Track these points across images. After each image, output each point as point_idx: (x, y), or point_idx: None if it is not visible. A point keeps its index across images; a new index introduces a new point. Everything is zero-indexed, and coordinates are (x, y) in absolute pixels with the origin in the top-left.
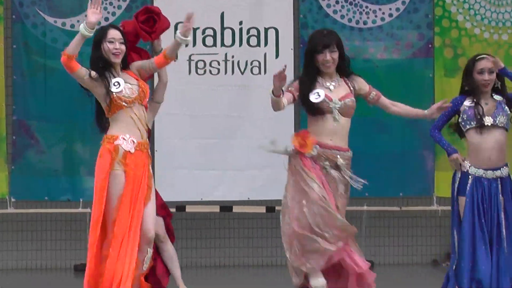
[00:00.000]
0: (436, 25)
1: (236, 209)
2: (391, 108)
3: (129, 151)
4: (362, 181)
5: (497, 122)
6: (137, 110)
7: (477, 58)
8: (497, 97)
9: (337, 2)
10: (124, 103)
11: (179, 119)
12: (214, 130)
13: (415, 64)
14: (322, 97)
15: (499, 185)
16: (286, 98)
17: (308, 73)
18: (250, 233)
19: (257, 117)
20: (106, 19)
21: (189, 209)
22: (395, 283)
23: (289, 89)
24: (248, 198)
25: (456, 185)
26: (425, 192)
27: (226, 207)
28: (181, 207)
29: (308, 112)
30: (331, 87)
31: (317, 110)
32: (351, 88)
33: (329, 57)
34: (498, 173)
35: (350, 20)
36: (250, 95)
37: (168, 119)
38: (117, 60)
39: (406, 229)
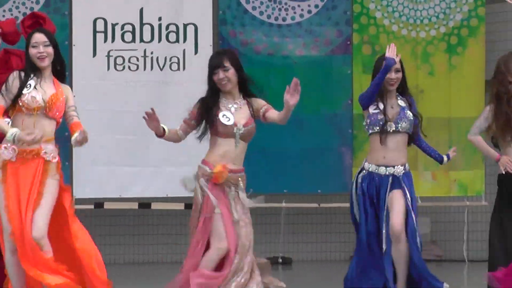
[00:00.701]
0: (355, 22)
1: (154, 205)
2: (277, 118)
3: (10, 160)
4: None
5: (399, 128)
6: (36, 119)
7: (383, 57)
8: (401, 103)
9: None
10: (23, 108)
11: (97, 115)
12: (132, 126)
13: (334, 60)
14: (232, 120)
15: (389, 182)
16: (181, 130)
17: (212, 94)
18: (168, 229)
19: (176, 113)
20: (24, 14)
21: (107, 206)
22: (313, 279)
23: (185, 118)
24: (167, 195)
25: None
26: (343, 189)
27: (144, 203)
28: (99, 203)
29: (212, 132)
30: (233, 109)
31: (221, 133)
32: (251, 112)
33: (223, 75)
34: (390, 170)
35: (269, 17)
36: (169, 91)
37: (86, 114)
38: (43, 64)
39: (325, 226)
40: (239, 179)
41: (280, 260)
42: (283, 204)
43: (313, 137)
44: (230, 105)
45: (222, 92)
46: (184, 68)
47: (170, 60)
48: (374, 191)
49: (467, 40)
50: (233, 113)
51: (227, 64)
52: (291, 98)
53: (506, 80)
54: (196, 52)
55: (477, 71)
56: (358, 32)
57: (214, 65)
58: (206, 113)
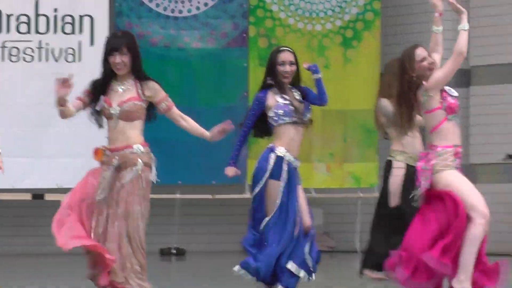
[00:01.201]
0: (251, 15)
1: (48, 197)
2: (180, 121)
3: None
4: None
5: (305, 119)
6: None
7: (279, 50)
8: (297, 95)
9: None
10: None
11: None
12: (27, 117)
13: (230, 53)
14: (102, 104)
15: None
16: (74, 106)
17: (103, 76)
18: None
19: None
20: None
21: (0, 197)
22: (207, 270)
23: (80, 96)
24: (60, 186)
25: (269, 167)
26: (237, 180)
27: (38, 195)
28: None
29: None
30: (120, 90)
31: (104, 115)
32: (139, 92)
33: (119, 60)
34: (297, 163)
35: (165, 9)
36: None
37: None
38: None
39: (219, 217)
40: (116, 157)
41: (174, 251)
42: (178, 195)
43: (208, 128)
44: (117, 87)
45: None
46: (80, 60)
47: (66, 51)
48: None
49: (362, 33)
50: (120, 94)
51: (124, 49)
52: (216, 136)
53: (409, 76)
54: (92, 43)
55: (372, 64)
56: (255, 25)
57: (111, 48)
58: (94, 95)
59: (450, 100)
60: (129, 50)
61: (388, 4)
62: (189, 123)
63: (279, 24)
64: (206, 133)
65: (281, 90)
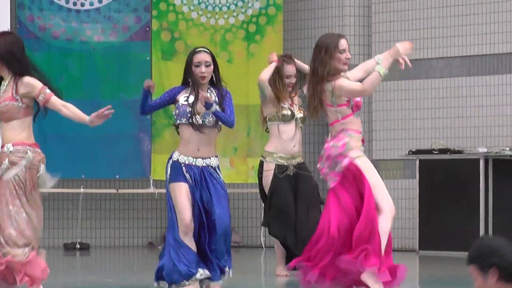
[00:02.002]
0: (154, 8)
1: None
2: (63, 110)
3: None
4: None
5: (206, 122)
6: None
7: (195, 51)
8: (212, 96)
9: None
10: None
11: None
12: None
13: (133, 47)
14: None
15: (209, 172)
16: None
17: None
18: None
19: None
20: None
21: None
22: (111, 265)
23: None
24: None
25: (167, 174)
26: (142, 174)
27: None
28: None
29: None
30: (1, 91)
31: None
32: (13, 92)
33: None
34: (207, 161)
35: (67, 2)
36: None
37: None
38: None
39: (123, 212)
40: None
41: (78, 246)
42: (81, 190)
43: (111, 122)
44: (1, 87)
45: None
46: None
47: None
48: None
49: (265, 28)
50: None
51: None
52: (95, 120)
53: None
54: None
55: None
56: (157, 19)
57: None
58: None
59: (357, 98)
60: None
61: None
62: (70, 109)
63: (182, 18)
64: (86, 118)
65: (193, 91)
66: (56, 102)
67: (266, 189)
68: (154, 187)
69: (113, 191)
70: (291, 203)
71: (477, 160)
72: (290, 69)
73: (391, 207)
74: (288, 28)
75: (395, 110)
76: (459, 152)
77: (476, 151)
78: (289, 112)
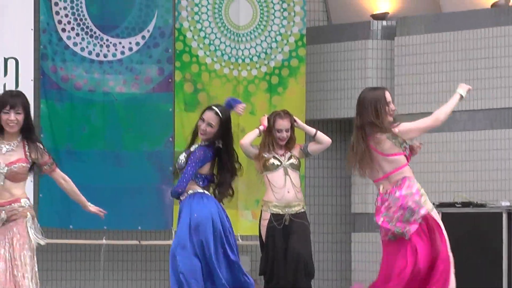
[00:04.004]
0: (177, 59)
1: None
2: (63, 184)
3: None
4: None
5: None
6: None
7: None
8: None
9: (77, 35)
10: None
11: None
12: None
13: (155, 98)
14: None
15: None
16: None
17: None
18: None
19: None
20: None
21: None
22: None
23: None
24: None
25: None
26: (164, 226)
27: None
28: None
29: None
30: (4, 150)
31: None
32: (27, 154)
33: (14, 117)
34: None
35: (90, 53)
36: None
37: None
38: None
39: (145, 263)
40: (2, 212)
41: None
42: (104, 241)
43: (133, 174)
44: (2, 145)
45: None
46: None
47: None
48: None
49: (287, 80)
50: (3, 154)
51: (19, 108)
52: (92, 211)
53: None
54: (17, 86)
55: (297, 110)
56: (180, 70)
57: (7, 103)
58: None
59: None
60: (24, 110)
61: (312, 51)
62: (69, 185)
63: (205, 69)
64: (85, 202)
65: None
66: (58, 174)
67: (263, 238)
68: None
69: (135, 242)
70: (282, 253)
71: (500, 214)
72: (281, 123)
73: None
74: (311, 80)
75: (418, 163)
76: (482, 205)
77: (499, 205)
78: (276, 161)
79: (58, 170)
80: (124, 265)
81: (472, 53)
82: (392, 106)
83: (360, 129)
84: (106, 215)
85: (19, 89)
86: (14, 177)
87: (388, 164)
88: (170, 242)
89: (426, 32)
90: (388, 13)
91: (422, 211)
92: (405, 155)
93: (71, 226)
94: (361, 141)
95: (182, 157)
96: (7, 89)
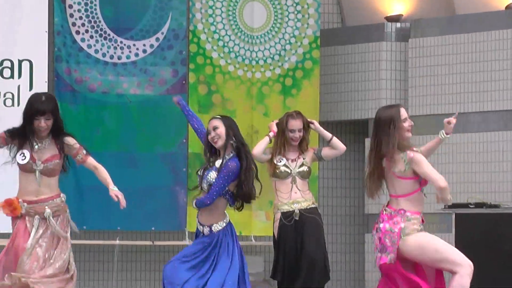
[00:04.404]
0: (191, 62)
1: None
2: (95, 171)
3: None
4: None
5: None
6: None
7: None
8: (217, 163)
9: (91, 37)
10: None
11: None
12: None
13: (169, 100)
14: (27, 158)
15: None
16: None
17: (23, 132)
18: None
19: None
20: None
21: None
22: None
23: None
24: None
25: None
26: (177, 227)
27: None
28: None
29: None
30: (36, 147)
31: (23, 168)
32: (60, 151)
33: (44, 124)
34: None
35: (104, 55)
36: (3, 127)
37: None
38: None
39: (159, 264)
40: (46, 207)
41: None
42: (117, 242)
43: (147, 175)
44: (35, 143)
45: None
46: (18, 104)
47: (5, 96)
48: None
49: (301, 82)
50: (36, 151)
51: (49, 113)
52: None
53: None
54: (31, 88)
55: (311, 112)
56: (194, 72)
57: (37, 111)
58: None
59: None
60: (52, 115)
61: (326, 53)
62: (101, 173)
63: (219, 71)
64: (109, 185)
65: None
66: (91, 162)
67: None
68: (189, 239)
69: (149, 243)
70: (294, 252)
71: None
72: (293, 124)
73: (468, 263)
74: (325, 82)
75: (431, 164)
76: (496, 206)
77: None
78: (285, 169)
79: (90, 159)
80: (137, 265)
81: (486, 55)
82: (408, 122)
83: (377, 148)
84: (119, 216)
85: (33, 91)
86: (50, 173)
87: (399, 186)
88: (183, 242)
89: (440, 34)
90: (402, 15)
91: (391, 256)
92: (418, 180)
93: (84, 227)
94: (376, 160)
95: (212, 174)
96: (21, 90)
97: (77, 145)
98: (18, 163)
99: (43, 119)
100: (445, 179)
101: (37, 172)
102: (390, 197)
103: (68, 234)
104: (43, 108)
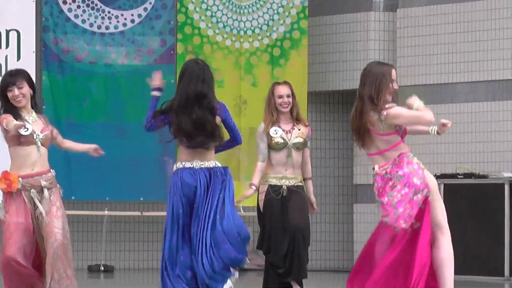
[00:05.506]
0: (179, 31)
1: None
2: (64, 144)
3: None
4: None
5: None
6: None
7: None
8: None
9: (78, 7)
10: None
11: None
12: None
13: (157, 70)
14: (30, 130)
15: None
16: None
17: (6, 109)
18: None
19: None
20: None
21: None
22: (136, 287)
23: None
24: None
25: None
26: (165, 197)
27: None
28: None
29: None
30: (30, 121)
31: (25, 140)
32: (45, 124)
33: (18, 92)
34: None
35: (91, 25)
36: None
37: None
38: None
39: (147, 234)
40: (41, 180)
41: (102, 268)
42: (106, 212)
43: (135, 145)
44: (27, 117)
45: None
46: None
47: None
48: None
49: (289, 52)
50: (31, 123)
51: (20, 81)
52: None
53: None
54: (18, 58)
55: (299, 83)
56: (182, 42)
57: (8, 83)
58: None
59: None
60: (26, 82)
61: (314, 23)
62: (66, 144)
63: (207, 41)
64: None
65: None
66: (60, 140)
67: (261, 211)
68: None
69: (138, 213)
70: (279, 223)
71: (502, 185)
72: (280, 89)
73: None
74: (313, 52)
75: (420, 135)
76: (484, 176)
77: (501, 176)
78: (281, 140)
79: (59, 136)
80: (126, 236)
81: (473, 25)
82: (395, 85)
83: (361, 100)
84: (108, 186)
85: (21, 61)
86: (46, 143)
87: (383, 142)
88: None
89: (428, 4)
90: None
91: (425, 192)
92: (398, 133)
93: (73, 197)
94: (360, 114)
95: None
96: (9, 61)
97: (49, 125)
98: (18, 137)
99: (15, 88)
100: (430, 110)
101: (38, 142)
102: (373, 157)
103: (62, 205)
104: (12, 80)
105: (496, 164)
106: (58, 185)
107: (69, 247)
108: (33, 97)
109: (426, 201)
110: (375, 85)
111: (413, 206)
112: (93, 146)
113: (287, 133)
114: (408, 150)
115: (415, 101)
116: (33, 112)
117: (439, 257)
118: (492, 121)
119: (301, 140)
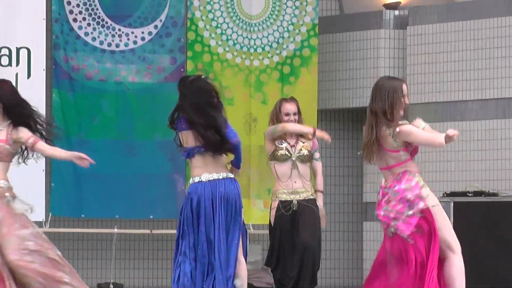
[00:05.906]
0: (189, 49)
1: None
2: (46, 152)
3: None
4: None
5: None
6: None
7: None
8: None
9: (88, 25)
10: None
11: None
12: None
13: (167, 87)
14: None
15: None
16: None
17: None
18: None
19: None
20: None
21: None
22: None
23: None
24: None
25: None
26: (176, 215)
27: None
28: None
29: None
30: None
31: None
32: (8, 137)
33: None
34: None
35: (101, 43)
36: None
37: None
38: None
39: (157, 252)
40: None
41: (111, 286)
42: (115, 230)
43: (145, 163)
44: None
45: None
46: None
47: None
48: None
49: (299, 69)
50: None
51: None
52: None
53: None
54: (29, 76)
55: (309, 100)
56: (192, 60)
57: None
58: None
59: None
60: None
61: (324, 40)
62: (48, 152)
63: (217, 59)
64: (65, 154)
65: None
66: (40, 147)
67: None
68: None
69: (147, 231)
70: (289, 239)
71: None
72: (288, 107)
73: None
74: (323, 70)
75: (430, 152)
76: (494, 194)
77: (511, 194)
78: (285, 152)
79: (40, 143)
80: (135, 254)
81: (484, 43)
82: (406, 99)
83: (373, 114)
84: (118, 204)
85: (31, 78)
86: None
87: (391, 158)
88: None
89: (439, 21)
90: (400, 2)
91: (421, 205)
92: (408, 151)
93: (82, 215)
94: (372, 129)
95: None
96: (19, 78)
97: (29, 134)
98: None
99: None
100: (439, 133)
101: None
102: (384, 171)
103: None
104: None
105: (506, 182)
106: (8, 196)
107: (37, 260)
108: (9, 108)
109: (427, 211)
110: (387, 100)
111: (410, 222)
112: (77, 154)
113: (292, 146)
114: (417, 169)
115: (420, 124)
116: (5, 123)
117: (451, 272)
118: (502, 138)
119: (306, 152)
